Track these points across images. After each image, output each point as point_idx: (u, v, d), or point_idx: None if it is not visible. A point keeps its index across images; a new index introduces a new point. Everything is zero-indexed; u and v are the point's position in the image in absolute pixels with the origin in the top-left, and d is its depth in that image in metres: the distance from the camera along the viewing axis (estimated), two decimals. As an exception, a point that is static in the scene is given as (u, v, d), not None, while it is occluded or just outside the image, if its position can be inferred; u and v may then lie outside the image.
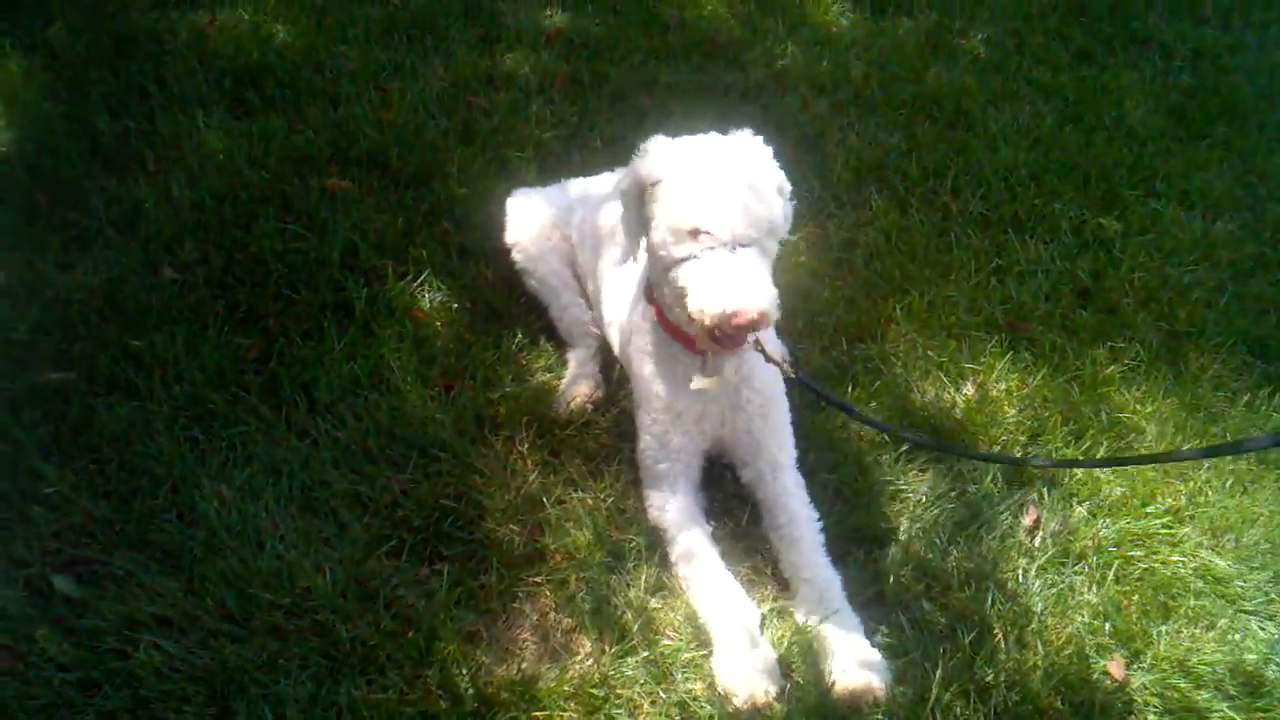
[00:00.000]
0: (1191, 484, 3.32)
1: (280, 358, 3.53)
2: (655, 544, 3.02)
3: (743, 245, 2.63)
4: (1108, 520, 3.17)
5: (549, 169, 4.50)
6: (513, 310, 3.83)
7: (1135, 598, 2.96)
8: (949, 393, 3.61)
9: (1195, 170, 4.91)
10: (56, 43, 5.26)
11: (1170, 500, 3.26)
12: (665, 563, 3.00)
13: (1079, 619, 2.89)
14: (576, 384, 3.51)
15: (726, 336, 2.69)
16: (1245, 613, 3.00)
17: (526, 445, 3.29)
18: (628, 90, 5.17)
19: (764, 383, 3.11)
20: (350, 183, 4.34)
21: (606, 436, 3.37)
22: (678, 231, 2.67)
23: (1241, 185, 4.88)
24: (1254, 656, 2.86)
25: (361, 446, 3.24)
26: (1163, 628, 2.90)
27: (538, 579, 2.94)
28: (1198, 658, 2.84)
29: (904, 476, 3.28)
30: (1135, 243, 4.36)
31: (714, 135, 2.85)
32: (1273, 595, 3.05)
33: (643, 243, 2.93)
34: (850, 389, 3.55)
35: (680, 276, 2.68)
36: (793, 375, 3.08)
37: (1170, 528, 3.17)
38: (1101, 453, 3.39)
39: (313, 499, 3.09)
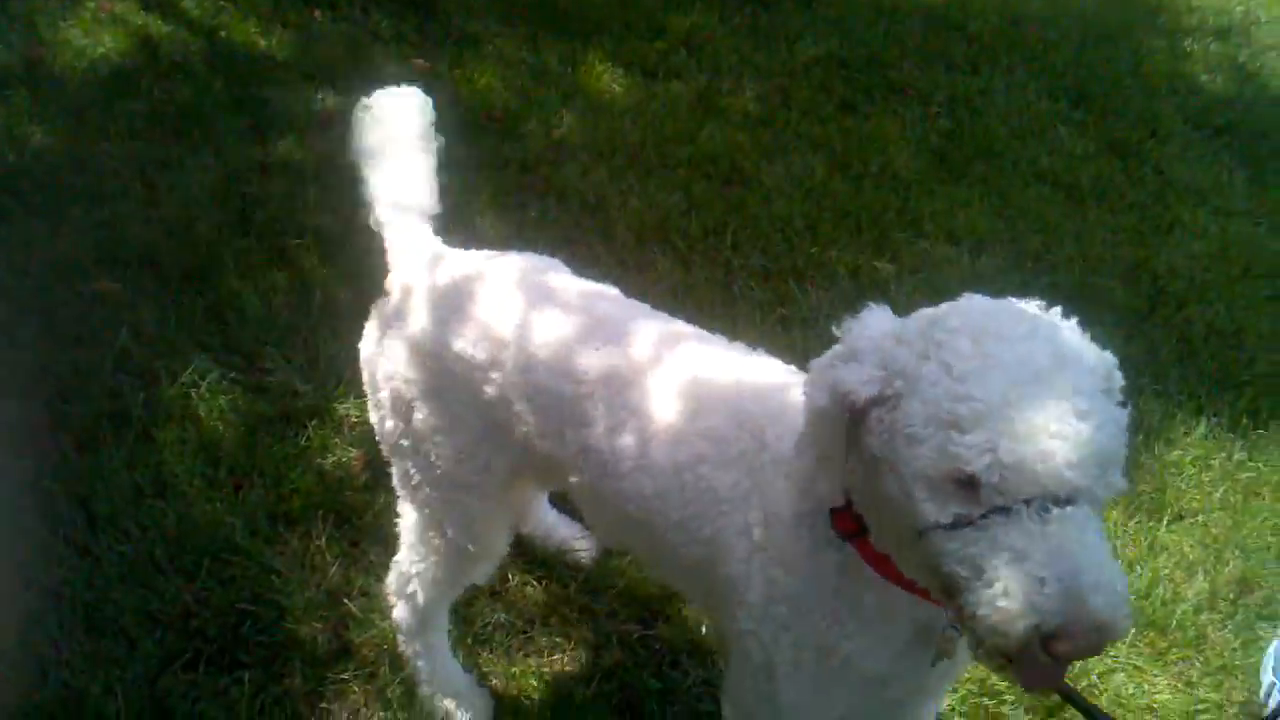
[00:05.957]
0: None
1: (54, 474, 3.34)
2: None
3: (1064, 501, 1.44)
4: None
5: (330, 255, 4.43)
6: (300, 402, 3.72)
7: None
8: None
9: (958, 209, 5.17)
10: None
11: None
12: (477, 640, 2.94)
13: None
14: None
15: (1047, 658, 1.45)
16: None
17: (324, 538, 3.19)
18: (406, 168, 5.11)
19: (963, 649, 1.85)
20: (119, 284, 4.17)
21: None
22: (933, 484, 1.51)
23: (1001, 219, 5.15)
24: None
25: (148, 558, 3.09)
26: None
27: (345, 675, 2.85)
28: None
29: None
30: (909, 282, 4.54)
31: (979, 300, 1.65)
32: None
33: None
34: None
35: (945, 552, 1.51)
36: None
37: None
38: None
39: (98, 619, 2.92)
